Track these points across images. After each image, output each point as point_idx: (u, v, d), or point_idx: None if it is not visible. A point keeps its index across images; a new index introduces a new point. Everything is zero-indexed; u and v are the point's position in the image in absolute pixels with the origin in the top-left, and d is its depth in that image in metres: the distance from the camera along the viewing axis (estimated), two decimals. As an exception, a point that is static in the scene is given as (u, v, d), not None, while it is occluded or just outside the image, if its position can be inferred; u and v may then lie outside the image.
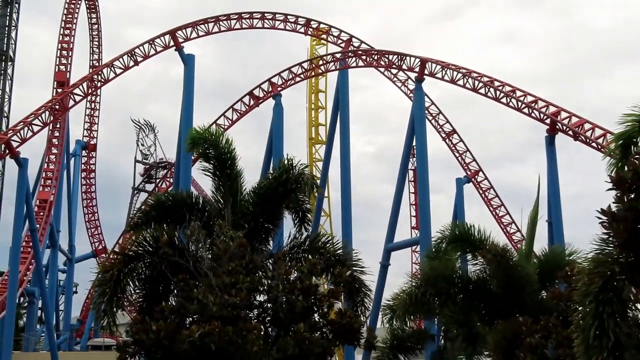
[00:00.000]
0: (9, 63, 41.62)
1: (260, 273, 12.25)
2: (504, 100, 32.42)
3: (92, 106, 50.38)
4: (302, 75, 37.89)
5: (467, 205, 39.89)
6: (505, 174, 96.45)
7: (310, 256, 13.62)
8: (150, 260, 13.10)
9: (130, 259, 12.97)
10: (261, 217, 14.27)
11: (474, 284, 15.00)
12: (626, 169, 8.52)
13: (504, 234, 40.90)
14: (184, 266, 12.18)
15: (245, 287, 11.10)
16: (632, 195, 8.15)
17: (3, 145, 31.53)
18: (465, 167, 41.47)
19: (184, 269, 12.14)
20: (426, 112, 37.90)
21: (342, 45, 39.92)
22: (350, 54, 38.10)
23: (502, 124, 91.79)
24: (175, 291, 12.85)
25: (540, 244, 17.37)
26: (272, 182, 14.17)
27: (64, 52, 43.22)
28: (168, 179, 52.15)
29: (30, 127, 32.30)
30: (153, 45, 35.43)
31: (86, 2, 48.23)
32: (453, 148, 41.61)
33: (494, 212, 41.90)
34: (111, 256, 14.06)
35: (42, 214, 38.97)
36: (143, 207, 15.24)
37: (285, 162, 14.28)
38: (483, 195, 41.96)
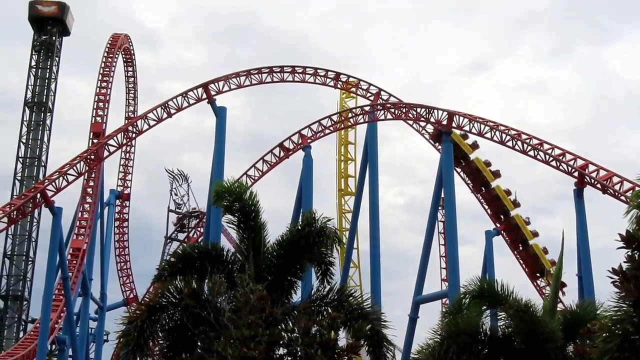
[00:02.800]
0: (48, 114, 42.83)
1: (281, 326, 12.36)
2: (531, 153, 32.58)
3: (127, 156, 51.33)
4: (331, 128, 38.43)
5: (497, 257, 39.67)
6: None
7: (330, 309, 13.71)
8: (173, 311, 13.31)
9: (154, 310, 13.19)
10: (284, 270, 14.44)
11: (498, 339, 14.92)
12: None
13: (534, 288, 40.47)
14: (206, 318, 12.36)
15: (264, 340, 11.19)
16: (643, 254, 8.19)
17: (38, 194, 32.33)
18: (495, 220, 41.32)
19: (206, 321, 12.32)
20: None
21: (371, 98, 40.43)
22: (379, 107, 38.56)
23: (531, 175, 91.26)
24: (198, 343, 13.00)
25: (571, 298, 17.27)
26: (294, 235, 14.39)
27: (101, 104, 44.30)
28: (199, 229, 52.60)
29: (65, 177, 33.11)
30: (186, 98, 36.33)
31: (123, 55, 49.59)
32: (482, 200, 41.55)
33: (523, 265, 41.53)
34: (135, 307, 14.29)
35: (74, 262, 39.50)
36: (169, 258, 15.53)
37: (308, 215, 14.52)
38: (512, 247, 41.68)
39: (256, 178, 38.14)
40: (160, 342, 13.67)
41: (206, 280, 13.77)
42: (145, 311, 13.11)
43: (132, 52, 50.57)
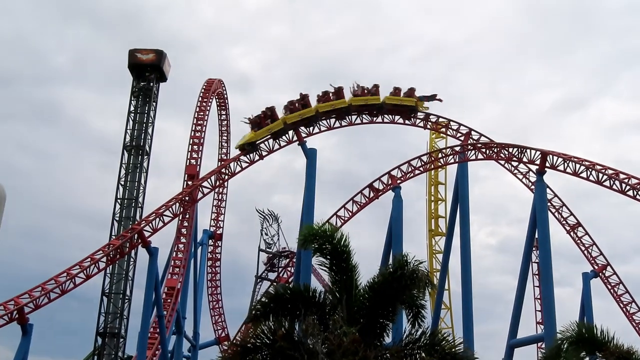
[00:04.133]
0: (145, 156, 44.30)
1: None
2: (630, 193, 31.47)
3: (219, 197, 52.28)
4: (421, 168, 38.29)
5: (596, 300, 38.35)
6: (637, 268, 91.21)
7: (423, 353, 13.57)
8: (267, 352, 13.46)
9: (247, 351, 13.38)
10: (376, 312, 14.40)
11: (598, 387, 14.46)
12: None
13: (637, 333, 38.76)
14: (299, 360, 12.46)
15: (357, 383, 11.23)
16: None
17: (136, 235, 33.45)
18: (592, 261, 39.96)
19: (299, 363, 12.41)
20: (549, 204, 37.18)
21: (462, 138, 40.07)
22: (469, 147, 38.21)
23: (633, 216, 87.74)
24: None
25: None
26: (386, 278, 14.37)
27: (195, 147, 45.48)
28: (289, 269, 52.97)
29: (161, 218, 34.16)
30: (277, 140, 36.98)
31: (217, 99, 50.97)
32: (578, 241, 40.29)
33: (624, 309, 39.90)
34: (229, 347, 14.52)
35: (169, 300, 40.34)
36: (262, 298, 15.75)
37: (400, 258, 14.49)
38: (612, 290, 40.14)
39: (346, 218, 38.30)
40: (254, 382, 13.79)
41: (299, 322, 13.90)
42: (239, 352, 13.32)
43: (226, 96, 51.87)
